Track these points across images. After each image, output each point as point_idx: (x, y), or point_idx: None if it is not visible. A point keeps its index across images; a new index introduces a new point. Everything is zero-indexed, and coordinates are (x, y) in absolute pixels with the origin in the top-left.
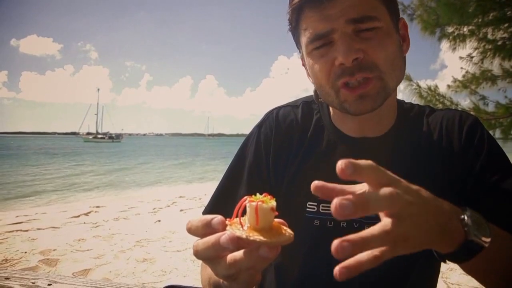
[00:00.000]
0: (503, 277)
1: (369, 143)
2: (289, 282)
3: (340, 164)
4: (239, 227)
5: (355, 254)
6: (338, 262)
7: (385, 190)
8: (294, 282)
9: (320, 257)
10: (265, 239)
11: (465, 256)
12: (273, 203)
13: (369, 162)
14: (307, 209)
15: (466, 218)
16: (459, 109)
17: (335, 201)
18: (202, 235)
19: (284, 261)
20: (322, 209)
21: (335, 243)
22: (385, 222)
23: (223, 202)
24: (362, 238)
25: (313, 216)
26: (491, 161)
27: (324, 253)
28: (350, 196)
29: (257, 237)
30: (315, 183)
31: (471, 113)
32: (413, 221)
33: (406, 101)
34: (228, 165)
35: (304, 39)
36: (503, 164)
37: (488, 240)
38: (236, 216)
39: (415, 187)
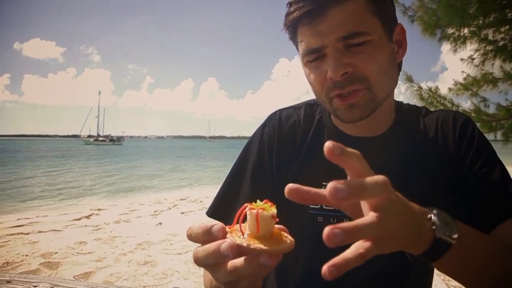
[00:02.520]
0: (481, 277)
1: (368, 142)
2: (291, 279)
3: (329, 144)
4: (240, 235)
5: (346, 243)
6: None
7: (379, 177)
8: (295, 279)
9: (323, 253)
10: (265, 248)
11: (435, 254)
12: (273, 210)
13: (357, 151)
14: (310, 206)
15: (433, 217)
16: (460, 110)
17: (330, 184)
18: (202, 242)
19: (285, 258)
20: (325, 206)
21: (327, 229)
22: (372, 215)
23: (227, 201)
24: (355, 226)
25: (317, 212)
26: (479, 157)
27: (327, 249)
28: (343, 181)
29: (257, 245)
30: (289, 186)
31: (472, 115)
32: (396, 219)
33: (404, 102)
34: (231, 167)
35: (300, 50)
36: (491, 163)
37: (455, 236)
38: (237, 223)
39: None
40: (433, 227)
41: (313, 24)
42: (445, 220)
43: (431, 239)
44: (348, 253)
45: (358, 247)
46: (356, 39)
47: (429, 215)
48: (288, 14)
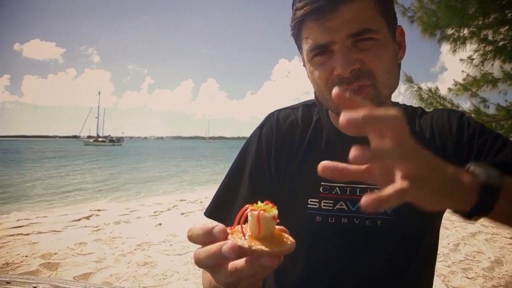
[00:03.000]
0: None
1: (366, 142)
2: (290, 279)
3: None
4: (241, 236)
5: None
6: (338, 257)
7: (391, 109)
8: (294, 278)
9: (321, 252)
10: (267, 249)
11: (488, 202)
12: (274, 211)
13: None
14: (309, 206)
15: (472, 167)
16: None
17: (342, 116)
18: (203, 244)
19: (284, 258)
20: (323, 206)
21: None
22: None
23: (225, 201)
24: (379, 145)
25: (315, 212)
26: (485, 139)
27: (326, 248)
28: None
29: (259, 246)
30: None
31: (472, 115)
32: (425, 161)
33: (400, 103)
34: (229, 167)
35: (305, 47)
36: (499, 138)
37: (501, 178)
38: (238, 224)
39: None
40: (476, 176)
41: (321, 21)
42: (485, 167)
43: (478, 187)
44: (388, 189)
45: (395, 185)
46: (365, 35)
47: (468, 167)
48: (297, 9)
